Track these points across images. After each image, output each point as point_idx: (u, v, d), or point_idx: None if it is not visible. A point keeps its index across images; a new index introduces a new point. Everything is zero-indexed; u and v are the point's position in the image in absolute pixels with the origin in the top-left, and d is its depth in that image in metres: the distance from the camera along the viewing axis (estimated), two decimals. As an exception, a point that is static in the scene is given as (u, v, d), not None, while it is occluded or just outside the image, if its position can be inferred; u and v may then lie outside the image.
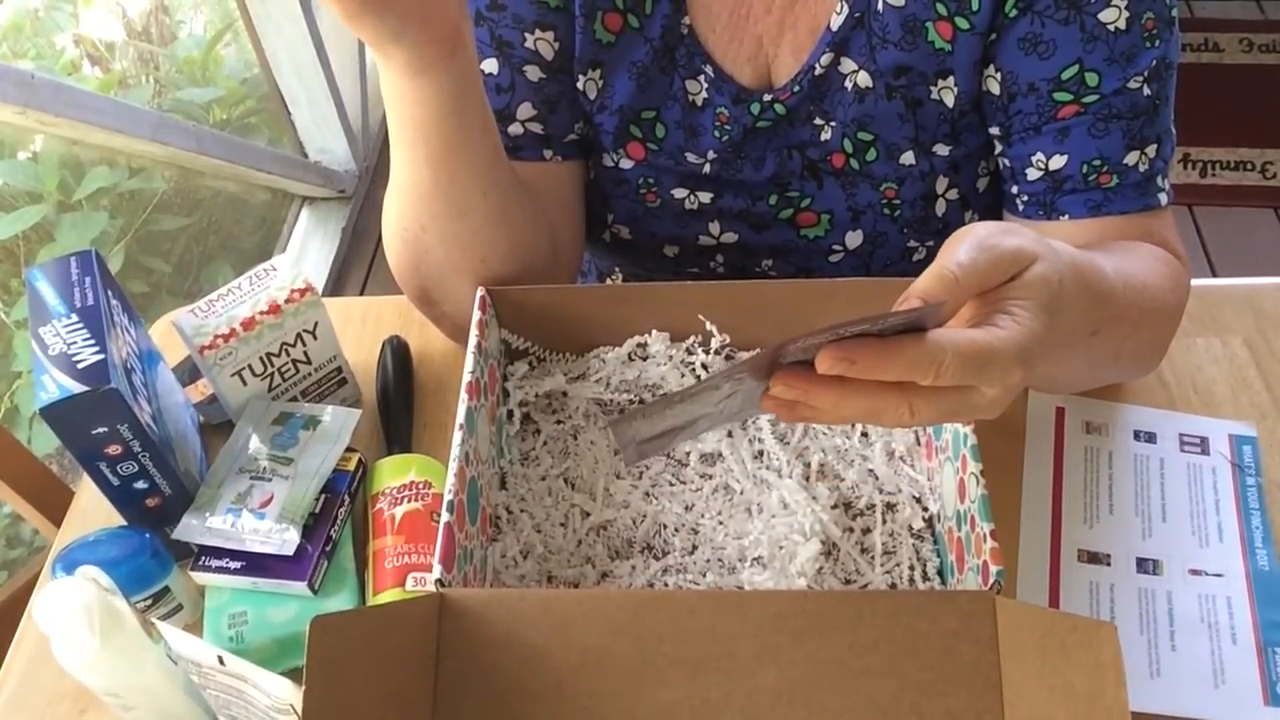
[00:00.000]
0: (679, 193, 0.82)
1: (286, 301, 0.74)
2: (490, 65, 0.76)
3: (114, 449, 0.65)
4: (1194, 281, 0.75)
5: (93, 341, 0.63)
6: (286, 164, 2.02)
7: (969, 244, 0.48)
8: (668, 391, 0.74)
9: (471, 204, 0.70)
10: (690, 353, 0.75)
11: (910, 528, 0.68)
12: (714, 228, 0.83)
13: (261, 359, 0.75)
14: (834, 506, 0.69)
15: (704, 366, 0.74)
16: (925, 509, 0.69)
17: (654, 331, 0.75)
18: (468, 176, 0.69)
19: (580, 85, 0.78)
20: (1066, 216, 0.74)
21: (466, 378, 0.65)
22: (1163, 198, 0.74)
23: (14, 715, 0.68)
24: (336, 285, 2.10)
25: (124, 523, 0.70)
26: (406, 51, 0.62)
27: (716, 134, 0.78)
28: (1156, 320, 0.69)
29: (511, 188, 0.73)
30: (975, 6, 0.70)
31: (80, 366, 0.62)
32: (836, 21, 0.73)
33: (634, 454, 0.53)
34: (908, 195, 0.79)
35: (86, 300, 0.67)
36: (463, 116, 0.67)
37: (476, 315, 0.69)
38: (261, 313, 0.73)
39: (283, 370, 0.76)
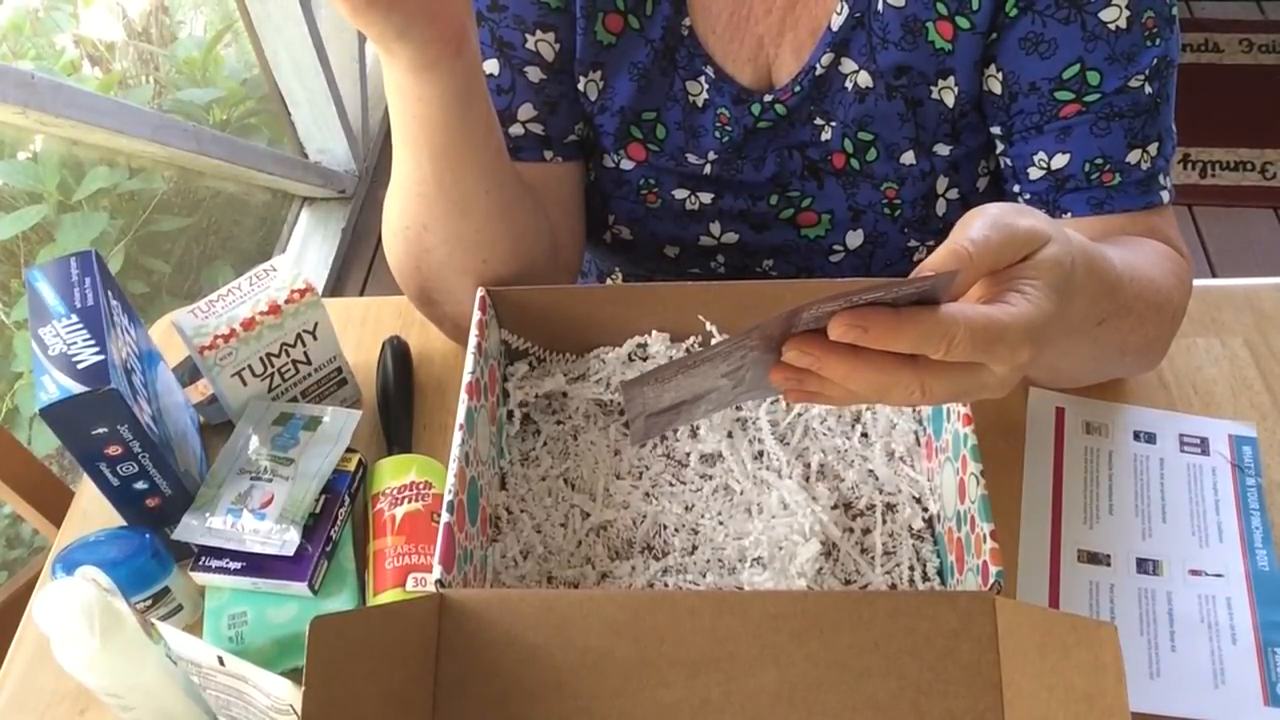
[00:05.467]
0: (680, 193, 0.82)
1: (286, 302, 0.74)
2: (491, 66, 0.76)
3: (114, 449, 0.65)
4: (1194, 282, 0.75)
5: (93, 342, 0.63)
6: (286, 164, 2.02)
7: (983, 222, 0.48)
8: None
9: (474, 203, 0.70)
10: (690, 353, 0.75)
11: (910, 528, 0.68)
12: (715, 228, 0.83)
13: (261, 359, 0.75)
14: (834, 507, 0.69)
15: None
16: (925, 509, 0.69)
17: (654, 331, 0.75)
18: (471, 175, 0.69)
19: (581, 86, 0.78)
20: (1069, 215, 0.74)
21: (466, 378, 0.65)
22: (1164, 195, 0.74)
23: (14, 715, 0.68)
24: (336, 285, 2.10)
25: (124, 523, 0.70)
26: (411, 48, 0.61)
27: (717, 135, 0.78)
28: (1161, 314, 0.69)
29: (514, 187, 0.73)
30: (975, 6, 0.70)
31: (80, 367, 0.62)
32: (837, 22, 0.73)
33: (641, 429, 0.53)
34: (908, 195, 0.79)
35: (86, 300, 0.66)
36: (466, 114, 0.67)
37: (476, 315, 0.69)
38: (261, 313, 0.73)
39: (283, 371, 0.76)
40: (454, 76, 0.64)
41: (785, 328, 0.46)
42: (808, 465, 0.71)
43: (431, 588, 0.55)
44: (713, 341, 0.73)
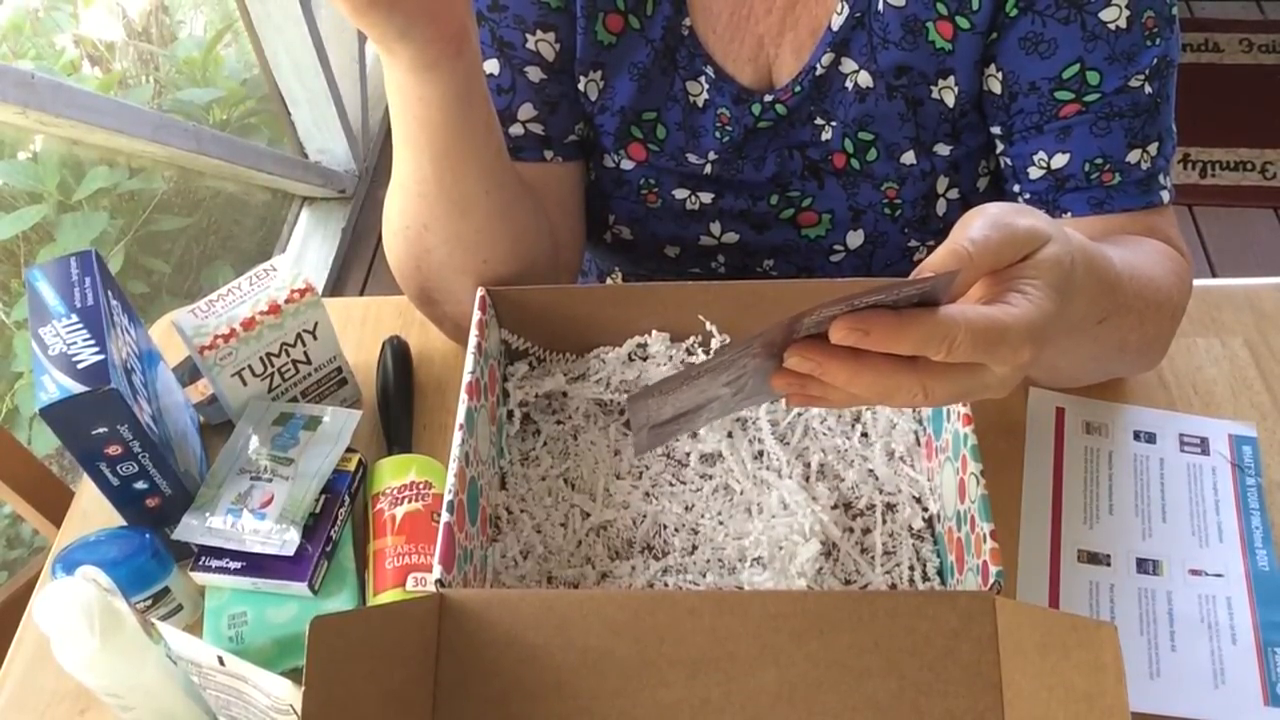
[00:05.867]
0: (680, 193, 0.82)
1: (286, 302, 0.74)
2: (492, 66, 0.76)
3: (114, 449, 0.65)
4: (1194, 281, 0.75)
5: (93, 341, 0.63)
6: (286, 164, 2.02)
7: (983, 221, 0.48)
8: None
9: (474, 203, 0.70)
10: (690, 353, 0.75)
11: (910, 528, 0.68)
12: (715, 228, 0.83)
13: (261, 359, 0.75)
14: (834, 507, 0.69)
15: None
16: (925, 509, 0.69)
17: (654, 331, 0.75)
18: (471, 175, 0.69)
19: (581, 86, 0.78)
20: (1069, 214, 0.74)
21: (466, 378, 0.65)
22: (1164, 195, 0.74)
23: (14, 715, 0.68)
24: (336, 285, 2.10)
25: (124, 523, 0.70)
26: (412, 49, 0.61)
27: (717, 135, 0.78)
28: (1161, 313, 0.69)
29: (514, 187, 0.73)
30: (975, 6, 0.70)
31: (80, 367, 0.62)
32: (837, 22, 0.73)
33: (645, 440, 0.53)
34: (908, 195, 0.79)
35: (86, 300, 0.66)
36: (467, 114, 0.67)
37: (476, 315, 0.69)
38: (261, 313, 0.73)
39: (283, 370, 0.76)
40: (455, 77, 0.64)
41: (787, 334, 0.46)
42: (808, 465, 0.71)
43: (431, 588, 0.55)
44: (713, 343, 0.74)
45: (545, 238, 0.77)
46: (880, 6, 0.72)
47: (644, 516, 0.69)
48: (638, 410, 0.50)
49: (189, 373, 0.83)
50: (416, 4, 0.59)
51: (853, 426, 0.73)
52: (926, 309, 0.45)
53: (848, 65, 0.74)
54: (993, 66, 0.73)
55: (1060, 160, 0.73)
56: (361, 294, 2.05)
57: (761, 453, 0.72)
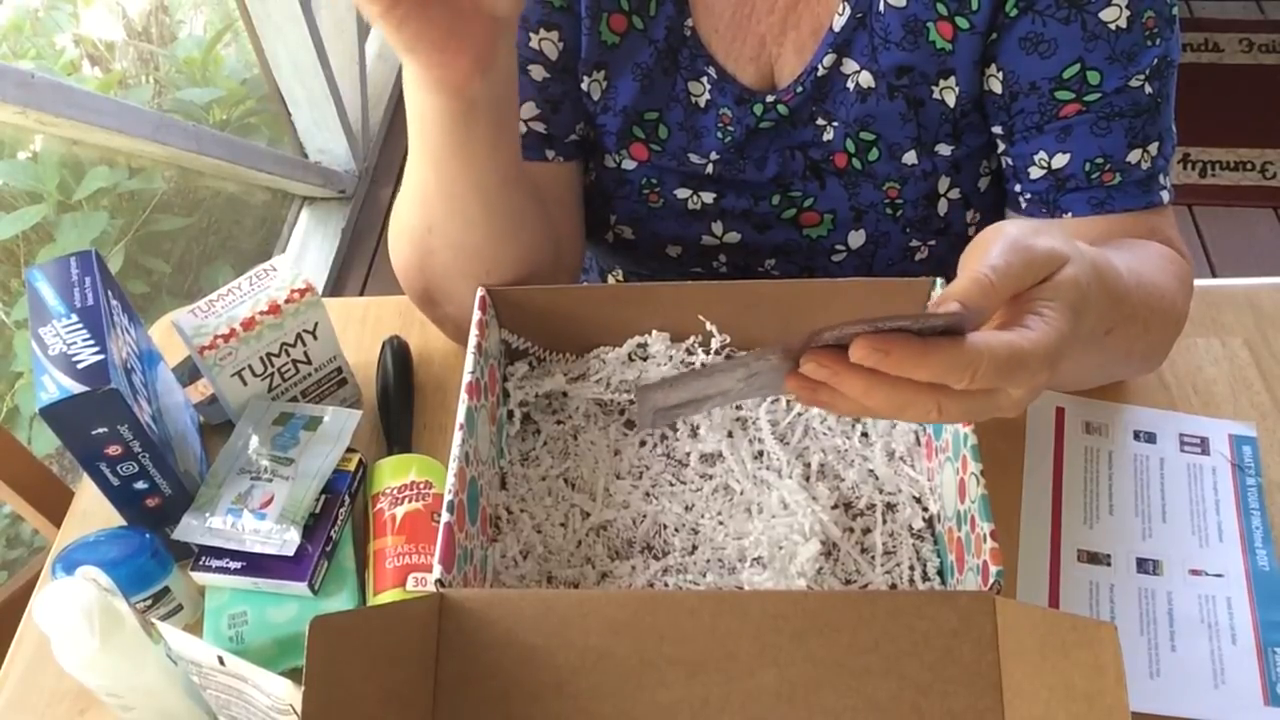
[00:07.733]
0: (682, 193, 0.82)
1: (286, 301, 0.74)
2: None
3: (114, 449, 0.65)
4: (1194, 282, 0.75)
5: (93, 341, 0.63)
6: (286, 164, 2.02)
7: (1002, 246, 0.48)
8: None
9: (475, 218, 0.70)
10: (690, 353, 0.75)
11: (910, 528, 0.68)
12: (717, 228, 0.83)
13: (261, 359, 0.75)
14: (834, 507, 0.69)
15: (704, 367, 0.74)
16: (925, 509, 0.69)
17: (654, 331, 0.75)
18: (468, 191, 0.69)
19: (584, 86, 0.78)
20: (1070, 215, 0.74)
21: (466, 378, 0.65)
22: (1165, 195, 0.74)
23: (14, 715, 0.68)
24: (336, 285, 2.10)
25: (124, 523, 0.70)
26: (415, 66, 0.61)
27: (719, 135, 0.78)
28: (1165, 319, 0.69)
29: (521, 205, 0.72)
30: (975, 6, 0.70)
31: (80, 367, 0.62)
32: (839, 22, 0.73)
33: (649, 420, 0.53)
34: (910, 195, 0.79)
35: (86, 300, 0.66)
36: (467, 137, 0.65)
37: (477, 315, 0.69)
38: (261, 313, 0.73)
39: (283, 370, 0.76)
40: (456, 101, 0.63)
41: (806, 344, 0.46)
42: (808, 465, 0.71)
43: (431, 588, 0.55)
44: (713, 343, 0.74)
45: (550, 247, 0.77)
46: (881, 7, 0.72)
47: (644, 516, 0.69)
48: (646, 397, 0.51)
49: (189, 373, 0.83)
50: (421, 31, 0.57)
51: (853, 426, 0.73)
52: (950, 338, 0.45)
53: (849, 66, 0.74)
54: (993, 66, 0.73)
55: (1061, 160, 0.73)
56: (361, 294, 2.05)
57: (761, 453, 0.72)
